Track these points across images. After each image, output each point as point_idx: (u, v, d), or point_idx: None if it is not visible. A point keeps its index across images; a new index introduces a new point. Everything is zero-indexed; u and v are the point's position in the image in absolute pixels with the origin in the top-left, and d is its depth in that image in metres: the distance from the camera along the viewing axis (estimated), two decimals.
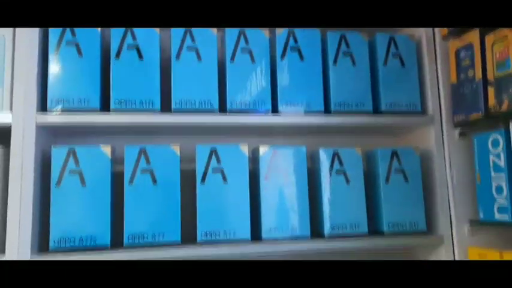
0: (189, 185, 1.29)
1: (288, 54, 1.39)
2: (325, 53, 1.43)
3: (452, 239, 1.38)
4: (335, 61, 1.42)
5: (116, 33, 1.28)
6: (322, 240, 1.33)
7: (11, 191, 1.14)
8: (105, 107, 1.27)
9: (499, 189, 1.26)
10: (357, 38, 1.44)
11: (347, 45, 1.43)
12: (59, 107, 1.22)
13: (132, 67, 1.27)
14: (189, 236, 1.26)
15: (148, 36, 1.29)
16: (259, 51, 1.37)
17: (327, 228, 1.33)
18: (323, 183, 1.36)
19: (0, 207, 1.14)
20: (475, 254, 1.32)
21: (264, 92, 1.35)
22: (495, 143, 1.28)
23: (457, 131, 1.42)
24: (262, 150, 1.34)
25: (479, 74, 1.31)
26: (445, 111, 1.43)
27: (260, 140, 1.42)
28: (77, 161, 1.20)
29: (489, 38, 1.28)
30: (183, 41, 1.32)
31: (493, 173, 1.28)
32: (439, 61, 1.46)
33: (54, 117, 1.21)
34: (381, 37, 1.46)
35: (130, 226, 1.21)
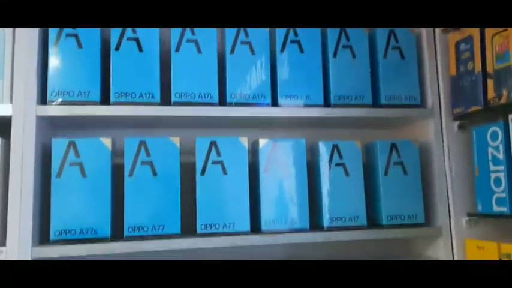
0: (189, 178, 1.30)
1: (288, 47, 1.39)
2: (325, 46, 1.43)
3: (451, 231, 1.39)
4: (335, 54, 1.42)
5: None
6: (321, 232, 1.33)
7: (11, 182, 1.14)
8: (105, 99, 1.27)
9: (498, 182, 1.26)
10: (357, 31, 1.44)
11: (347, 38, 1.43)
12: (59, 99, 1.22)
13: (132, 59, 1.27)
14: (189, 228, 1.27)
15: (148, 29, 1.29)
16: (259, 43, 1.37)
17: (326, 220, 1.34)
18: (322, 176, 1.37)
19: (1, 199, 1.15)
20: (473, 246, 1.33)
21: (263, 84, 1.35)
22: (494, 136, 1.28)
23: (456, 124, 1.43)
24: (262, 142, 1.34)
25: (478, 66, 1.31)
26: (445, 104, 1.43)
27: (260, 133, 1.43)
28: (77, 153, 1.21)
29: (489, 31, 1.28)
30: (183, 33, 1.32)
31: (491, 166, 1.29)
32: (438, 54, 1.46)
33: (55, 109, 1.21)
34: (381, 30, 1.46)
35: (131, 218, 1.21)
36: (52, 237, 1.17)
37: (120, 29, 1.28)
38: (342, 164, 1.38)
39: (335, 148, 1.38)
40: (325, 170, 1.37)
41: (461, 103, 1.38)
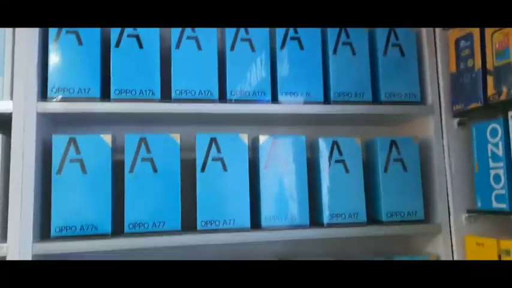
0: (189, 174, 1.30)
1: (288, 44, 1.39)
2: (325, 42, 1.43)
3: (450, 228, 1.39)
4: (335, 51, 1.42)
5: None
6: (321, 229, 1.34)
7: (12, 179, 1.14)
8: (105, 96, 1.27)
9: (497, 178, 1.27)
10: (357, 28, 1.44)
11: (347, 35, 1.43)
12: (60, 95, 1.22)
13: (132, 56, 1.28)
14: (189, 225, 1.27)
15: None
16: (259, 40, 1.37)
17: (326, 216, 1.34)
18: (322, 173, 1.37)
19: (2, 195, 1.15)
20: (472, 242, 1.33)
21: (263, 81, 1.36)
22: (494, 133, 1.28)
23: (456, 121, 1.43)
24: (262, 139, 1.34)
25: (478, 63, 1.31)
26: (444, 101, 1.44)
27: (260, 130, 1.43)
28: (77, 150, 1.21)
29: (489, 28, 1.28)
30: (183, 30, 1.32)
31: (491, 162, 1.29)
32: (438, 51, 1.46)
33: (55, 106, 1.21)
34: None
35: (131, 214, 1.22)
36: (53, 233, 1.17)
37: None
38: (342, 161, 1.38)
39: (335, 145, 1.38)
40: (325, 166, 1.37)
41: (461, 100, 1.38)
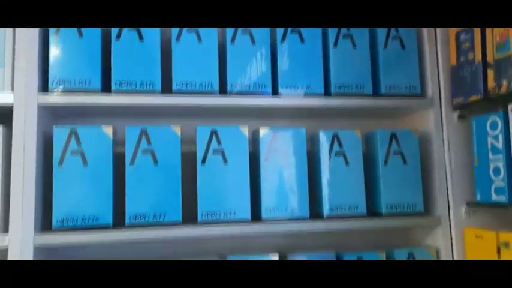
0: (189, 166, 1.30)
1: (289, 37, 1.39)
2: (326, 35, 1.43)
3: (450, 220, 1.40)
4: (335, 44, 1.42)
5: None
6: (321, 221, 1.34)
7: (13, 171, 1.15)
8: (106, 88, 1.27)
9: (497, 171, 1.27)
10: None
11: (347, 28, 1.43)
12: (60, 87, 1.22)
13: (132, 48, 1.28)
14: (190, 216, 1.27)
15: None
16: (259, 33, 1.37)
17: (326, 209, 1.35)
18: (322, 165, 1.37)
19: (3, 187, 1.16)
20: (471, 235, 1.34)
21: (264, 74, 1.36)
22: (494, 125, 1.29)
23: (456, 114, 1.43)
24: (263, 132, 1.35)
25: (479, 56, 1.31)
26: (445, 93, 1.44)
27: (260, 122, 1.43)
28: (78, 141, 1.21)
29: None
30: None
31: (491, 155, 1.29)
32: (439, 44, 1.46)
33: (56, 98, 1.21)
34: None
35: (132, 206, 1.22)
36: (54, 225, 1.18)
37: None
38: (342, 153, 1.38)
39: (335, 137, 1.38)
40: (325, 159, 1.38)
41: (461, 93, 1.38)
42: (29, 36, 1.19)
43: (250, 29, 1.36)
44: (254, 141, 1.38)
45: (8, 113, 1.17)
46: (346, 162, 1.38)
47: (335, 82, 1.40)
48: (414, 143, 1.43)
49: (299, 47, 1.39)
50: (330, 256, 1.36)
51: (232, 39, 1.36)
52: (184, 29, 1.32)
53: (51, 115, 1.32)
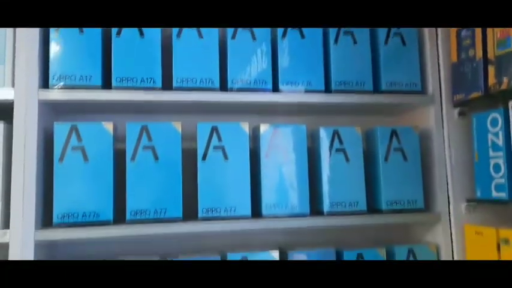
0: (190, 163, 1.30)
1: (289, 33, 1.39)
2: (326, 32, 1.43)
3: (450, 217, 1.40)
4: (336, 40, 1.42)
5: None
6: (321, 217, 1.34)
7: (14, 166, 1.15)
8: (106, 84, 1.27)
9: (497, 168, 1.27)
10: None
11: None
12: (61, 83, 1.22)
13: (133, 45, 1.28)
14: (190, 212, 1.28)
15: None
16: (260, 29, 1.37)
17: (326, 205, 1.35)
18: (323, 162, 1.37)
19: (4, 183, 1.16)
20: (471, 231, 1.34)
21: (265, 70, 1.36)
22: (494, 122, 1.29)
23: (456, 111, 1.43)
24: (263, 128, 1.35)
25: (479, 53, 1.31)
26: (445, 90, 1.44)
27: (261, 119, 1.43)
28: (79, 137, 1.21)
29: None
30: None
31: (491, 152, 1.30)
32: (440, 40, 1.46)
33: (57, 94, 1.21)
34: None
35: (133, 202, 1.22)
36: (55, 220, 1.18)
37: None
38: (343, 150, 1.38)
39: (335, 134, 1.39)
40: (326, 155, 1.38)
41: (462, 90, 1.38)
42: (29, 32, 1.19)
43: None
44: (254, 137, 1.38)
45: (8, 109, 1.17)
46: (347, 159, 1.38)
47: (335, 79, 1.40)
48: (414, 140, 1.44)
49: (300, 43, 1.39)
50: (330, 252, 1.36)
51: (233, 36, 1.35)
52: None
53: (51, 111, 1.32)
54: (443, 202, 1.41)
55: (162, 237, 1.31)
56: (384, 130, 1.43)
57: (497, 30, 1.26)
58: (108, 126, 1.24)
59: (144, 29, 1.28)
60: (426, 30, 1.47)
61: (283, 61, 1.38)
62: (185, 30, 1.31)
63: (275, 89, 1.37)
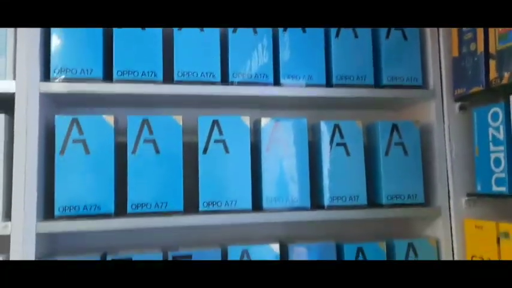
0: (191, 156, 1.31)
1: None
2: None
3: (450, 211, 1.40)
4: (337, 34, 1.42)
5: None
6: (321, 211, 1.35)
7: (15, 159, 1.15)
8: (108, 77, 1.27)
9: (497, 162, 1.28)
10: None
11: None
12: (62, 76, 1.22)
13: (134, 37, 1.27)
14: (191, 205, 1.28)
15: None
16: None
17: (326, 199, 1.35)
18: (323, 155, 1.38)
19: (6, 175, 1.16)
20: (471, 225, 1.35)
21: (266, 64, 1.36)
22: (495, 116, 1.29)
23: (457, 105, 1.43)
24: (264, 122, 1.35)
25: (481, 47, 1.31)
26: (446, 85, 1.44)
27: (262, 112, 1.43)
28: (80, 130, 1.21)
29: None
30: None
31: (491, 146, 1.30)
32: (441, 35, 1.46)
33: (58, 86, 1.21)
34: None
35: (134, 195, 1.23)
36: (56, 213, 1.18)
37: None
38: (343, 144, 1.38)
39: (336, 128, 1.39)
40: (327, 149, 1.38)
41: (463, 84, 1.38)
42: None
43: None
44: (255, 131, 1.38)
45: (10, 101, 1.17)
46: (347, 153, 1.38)
47: (337, 73, 1.40)
48: (415, 134, 1.44)
49: (301, 37, 1.39)
50: (330, 246, 1.36)
51: (234, 29, 1.35)
52: None
53: (53, 103, 1.32)
54: (444, 196, 1.41)
55: (163, 230, 1.31)
56: (385, 124, 1.43)
57: None
58: (109, 119, 1.24)
59: None
60: None
61: (285, 55, 1.38)
62: None
63: (276, 82, 1.37)
